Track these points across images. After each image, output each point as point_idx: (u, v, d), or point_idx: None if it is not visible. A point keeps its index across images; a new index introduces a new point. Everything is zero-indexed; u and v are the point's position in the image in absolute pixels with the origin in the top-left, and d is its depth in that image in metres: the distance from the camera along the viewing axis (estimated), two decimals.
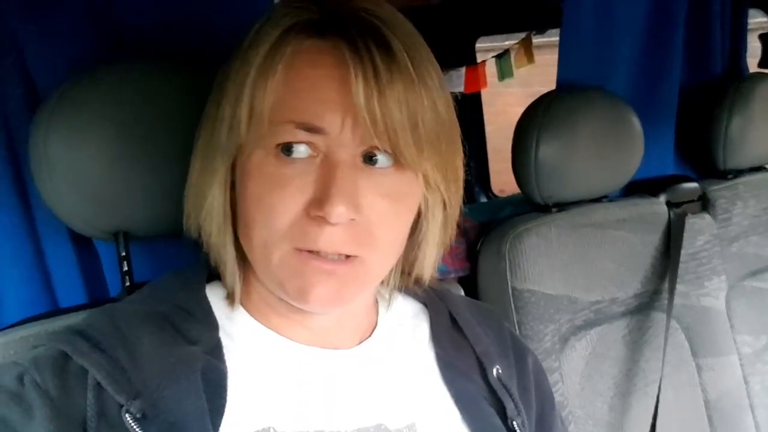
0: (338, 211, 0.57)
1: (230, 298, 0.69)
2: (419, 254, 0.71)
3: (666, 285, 1.30)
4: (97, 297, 0.90)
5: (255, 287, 0.69)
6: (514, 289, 1.14)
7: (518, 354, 0.80)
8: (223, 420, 0.60)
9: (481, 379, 0.74)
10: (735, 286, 1.44)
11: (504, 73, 2.27)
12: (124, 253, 0.80)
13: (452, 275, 1.21)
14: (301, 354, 0.67)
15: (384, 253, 0.65)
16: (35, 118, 0.75)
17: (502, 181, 2.56)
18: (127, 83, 0.76)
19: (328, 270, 0.61)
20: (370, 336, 0.73)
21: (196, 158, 0.65)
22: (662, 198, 1.38)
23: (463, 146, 0.67)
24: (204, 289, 0.69)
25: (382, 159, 0.61)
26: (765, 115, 1.47)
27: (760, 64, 1.74)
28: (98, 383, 0.58)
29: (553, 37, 1.64)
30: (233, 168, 0.63)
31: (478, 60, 2.40)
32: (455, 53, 2.36)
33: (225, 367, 0.63)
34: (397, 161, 0.61)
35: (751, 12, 1.64)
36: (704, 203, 1.45)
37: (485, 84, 2.34)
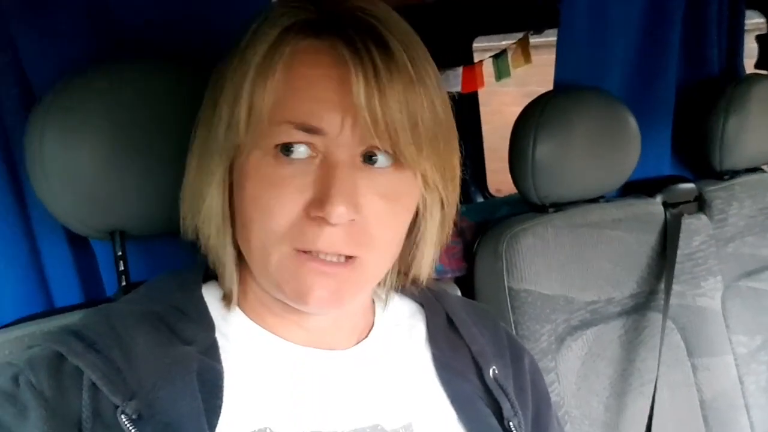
0: (339, 211, 0.57)
1: (227, 298, 0.68)
2: (417, 254, 0.71)
3: (662, 285, 1.30)
4: (93, 296, 0.89)
5: (251, 287, 0.69)
6: (510, 289, 1.14)
7: (514, 354, 0.80)
8: (219, 420, 0.60)
9: (477, 380, 0.74)
10: (731, 286, 1.44)
11: (501, 72, 2.27)
12: (120, 253, 0.80)
13: (449, 275, 1.21)
14: (297, 354, 0.67)
15: (382, 253, 0.64)
16: (30, 118, 0.75)
17: (499, 180, 2.56)
18: (123, 83, 0.76)
19: (326, 272, 0.61)
20: (366, 336, 0.73)
21: (192, 158, 0.65)
22: (658, 198, 1.38)
23: (460, 146, 0.67)
24: (200, 289, 0.69)
25: (381, 159, 0.61)
26: (761, 116, 1.47)
27: (757, 65, 1.74)
28: (93, 384, 0.58)
29: (550, 36, 1.64)
30: (230, 169, 0.63)
31: (475, 60, 2.39)
32: (452, 53, 2.36)
33: (221, 368, 0.63)
34: (397, 161, 0.61)
35: (748, 13, 1.64)
36: (700, 204, 1.45)
37: (482, 84, 2.34)
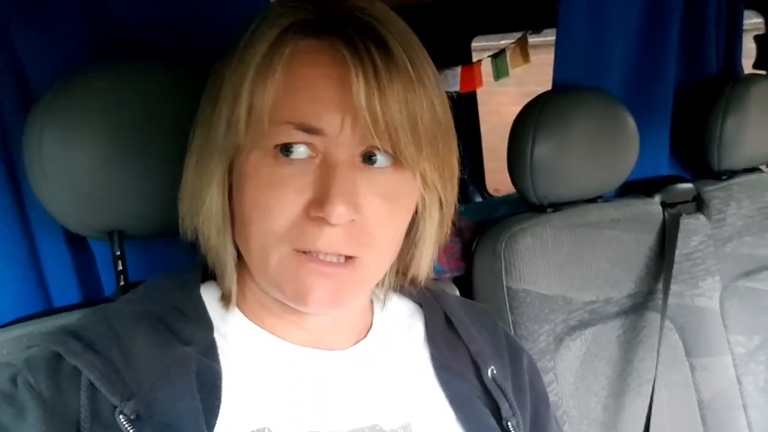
0: (339, 211, 0.57)
1: (226, 299, 0.68)
2: (415, 253, 0.71)
3: (660, 285, 1.30)
4: (91, 296, 0.89)
5: (250, 288, 0.68)
6: (509, 288, 1.14)
7: (513, 354, 0.80)
8: (217, 421, 0.60)
9: (475, 380, 0.74)
10: (729, 286, 1.44)
11: (500, 72, 2.27)
12: (118, 253, 0.80)
13: (447, 275, 1.21)
14: (295, 354, 0.67)
15: (382, 253, 0.65)
16: (29, 117, 0.74)
17: (497, 180, 2.56)
18: (122, 82, 0.76)
19: (326, 272, 0.61)
20: (365, 336, 0.73)
21: (191, 159, 0.65)
22: (657, 198, 1.39)
23: (458, 146, 0.67)
24: (198, 289, 0.69)
25: (381, 159, 0.61)
26: (759, 116, 1.47)
27: (755, 65, 1.75)
28: (92, 384, 0.58)
29: (548, 36, 1.64)
30: (230, 169, 0.63)
31: (474, 59, 2.39)
32: (451, 52, 2.36)
33: (219, 368, 0.62)
34: (396, 161, 0.61)
35: (747, 13, 1.64)
36: (699, 204, 1.45)
37: (481, 83, 2.34)
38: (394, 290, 0.77)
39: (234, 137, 0.60)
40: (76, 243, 0.88)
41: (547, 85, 1.27)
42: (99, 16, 0.82)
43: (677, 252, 1.31)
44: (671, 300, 1.28)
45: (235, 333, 0.67)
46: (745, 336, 1.43)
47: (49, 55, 0.80)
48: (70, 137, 0.73)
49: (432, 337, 0.75)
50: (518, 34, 2.20)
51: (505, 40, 2.27)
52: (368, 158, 0.61)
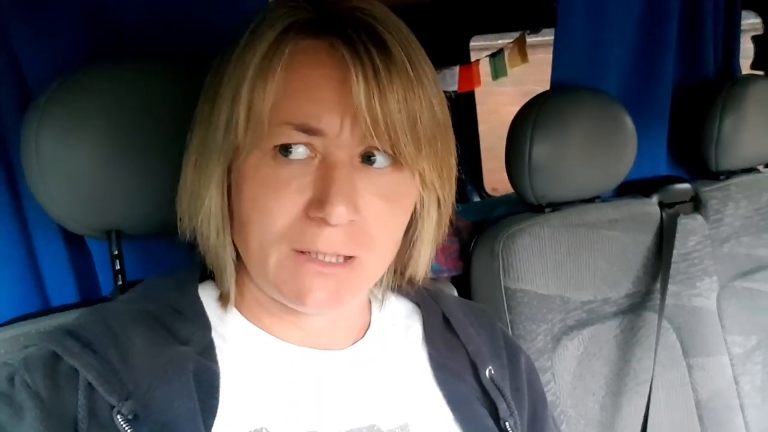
0: (339, 212, 0.57)
1: (224, 299, 0.68)
2: (414, 253, 0.71)
3: (658, 285, 1.30)
4: (89, 296, 0.89)
5: (248, 288, 0.68)
6: (506, 288, 1.14)
7: (511, 354, 0.80)
8: (215, 420, 0.60)
9: (473, 380, 0.74)
10: (726, 286, 1.44)
11: (498, 72, 2.27)
12: (116, 252, 0.80)
13: (445, 275, 1.21)
14: (293, 354, 0.67)
15: (381, 253, 0.65)
16: (26, 117, 0.74)
17: (495, 179, 2.56)
18: (120, 82, 0.76)
19: (326, 272, 0.61)
20: (363, 336, 0.73)
21: (190, 160, 0.65)
22: (654, 198, 1.39)
23: (457, 145, 0.67)
24: (196, 289, 0.69)
25: (380, 159, 0.61)
26: (757, 117, 1.47)
27: (753, 66, 1.75)
28: (89, 384, 0.58)
29: (547, 36, 1.64)
30: (228, 170, 0.63)
31: (472, 59, 2.39)
32: (449, 52, 2.36)
33: (217, 368, 0.62)
34: (395, 161, 0.61)
35: (744, 13, 1.65)
36: (696, 204, 1.45)
37: (479, 83, 2.34)
38: (392, 290, 0.77)
39: (233, 138, 0.60)
40: (74, 242, 0.87)
41: (546, 85, 1.27)
42: (98, 16, 0.82)
43: (675, 252, 1.31)
44: (669, 300, 1.28)
45: (233, 333, 0.67)
46: (742, 336, 1.43)
47: (48, 54, 0.80)
48: (68, 136, 0.73)
49: (430, 337, 0.75)
50: (516, 34, 2.20)
51: (503, 40, 2.27)
52: (367, 158, 0.61)
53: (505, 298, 1.14)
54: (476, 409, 0.71)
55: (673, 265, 1.30)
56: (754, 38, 1.76)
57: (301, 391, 0.65)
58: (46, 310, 0.78)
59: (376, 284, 0.73)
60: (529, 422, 0.78)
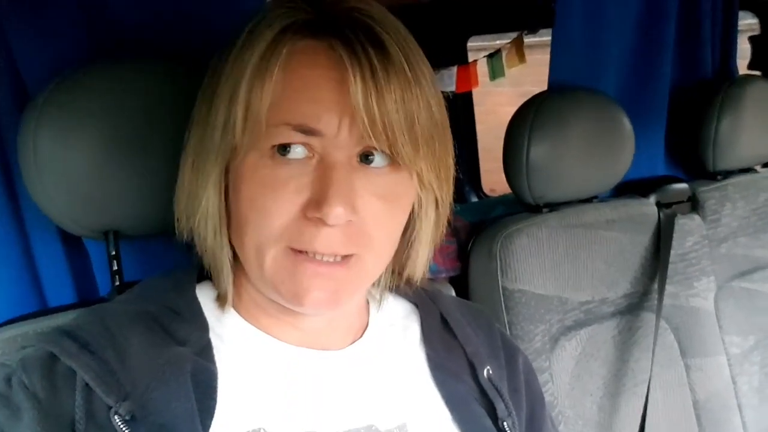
0: (336, 212, 0.57)
1: (221, 299, 0.68)
2: (411, 253, 0.71)
3: (655, 285, 1.30)
4: (86, 296, 0.89)
5: (245, 288, 0.68)
6: (504, 289, 1.14)
7: (508, 354, 0.80)
8: (212, 421, 0.59)
9: (471, 380, 0.74)
10: (723, 286, 1.45)
11: (495, 72, 2.27)
12: (114, 252, 0.80)
13: (443, 275, 1.21)
14: (291, 355, 0.67)
15: (379, 253, 0.65)
16: (24, 117, 0.74)
17: (493, 180, 2.56)
18: (117, 82, 0.75)
19: (323, 273, 0.61)
20: (361, 337, 0.72)
21: (187, 160, 0.65)
22: (652, 199, 1.39)
23: (454, 146, 0.67)
24: (194, 290, 0.69)
25: (378, 159, 0.61)
26: (754, 117, 1.48)
27: (750, 66, 1.75)
28: (87, 384, 0.58)
29: (544, 36, 1.64)
30: (226, 170, 0.63)
31: (470, 59, 2.39)
32: (447, 52, 2.36)
33: (215, 368, 0.62)
34: (393, 161, 0.61)
35: (742, 14, 1.65)
36: (694, 204, 1.45)
37: (476, 83, 2.34)
38: (390, 290, 0.77)
39: (231, 138, 0.60)
40: (71, 243, 0.87)
41: (544, 86, 1.27)
42: (98, 16, 0.82)
43: (672, 252, 1.31)
44: (666, 300, 1.28)
45: (230, 333, 0.67)
46: (739, 336, 1.43)
47: (46, 54, 0.80)
48: (66, 137, 0.73)
49: (428, 338, 0.75)
50: (514, 35, 2.20)
51: (501, 41, 2.27)
52: (365, 158, 0.61)
53: (502, 299, 1.14)
54: (474, 409, 0.71)
55: (670, 266, 1.30)
56: (752, 38, 1.76)
57: (299, 392, 0.65)
58: (44, 311, 0.77)
59: (373, 284, 0.73)
60: (527, 422, 0.78)
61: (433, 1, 2.06)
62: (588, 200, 1.28)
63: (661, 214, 1.35)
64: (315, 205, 0.58)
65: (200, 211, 0.64)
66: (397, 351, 0.73)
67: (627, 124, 1.25)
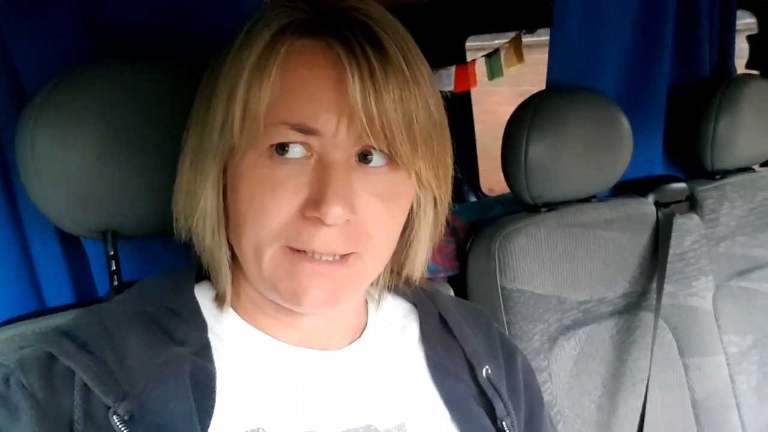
0: (335, 212, 0.57)
1: (220, 299, 0.68)
2: (410, 252, 0.71)
3: (654, 285, 1.31)
4: (84, 296, 0.89)
5: (244, 288, 0.68)
6: (503, 288, 1.14)
7: (507, 354, 0.80)
8: (211, 421, 0.59)
9: (470, 380, 0.74)
10: (722, 286, 1.45)
11: (494, 72, 2.27)
12: (112, 252, 0.80)
13: (442, 274, 1.21)
14: (289, 354, 0.67)
15: (378, 253, 0.65)
16: (22, 117, 0.74)
17: (491, 180, 2.56)
18: (115, 82, 0.75)
19: (322, 272, 0.61)
20: (359, 336, 0.72)
21: (185, 160, 0.65)
22: (650, 198, 1.39)
23: (453, 145, 0.67)
24: (192, 289, 0.69)
25: (376, 158, 0.61)
26: (752, 116, 1.48)
27: (748, 65, 1.75)
28: (85, 384, 0.58)
29: (543, 36, 1.64)
30: (224, 170, 0.63)
31: (468, 59, 2.39)
32: (445, 52, 2.36)
33: (213, 368, 0.62)
34: (392, 160, 0.61)
35: (739, 13, 1.65)
36: (692, 203, 1.45)
37: (475, 83, 2.34)
38: (389, 290, 0.77)
39: (229, 138, 0.60)
40: (69, 243, 0.87)
41: (542, 85, 1.27)
42: (93, 16, 0.82)
43: (671, 252, 1.31)
44: (665, 300, 1.28)
45: (229, 333, 0.67)
46: (738, 335, 1.43)
47: (44, 54, 0.80)
48: (64, 136, 0.73)
49: (426, 337, 0.75)
50: (512, 34, 2.20)
51: (499, 40, 2.27)
52: (364, 158, 0.61)
53: (501, 298, 1.14)
54: (473, 408, 0.71)
55: (669, 265, 1.30)
56: (749, 38, 1.76)
57: (298, 392, 0.65)
58: (42, 311, 0.77)
59: (372, 284, 0.73)
60: (526, 422, 0.78)
61: (432, 0, 2.06)
62: (586, 200, 1.28)
63: (660, 214, 1.35)
64: (313, 205, 0.58)
65: (198, 211, 0.63)
66: (396, 351, 0.73)
67: (625, 123, 1.25)
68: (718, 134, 1.46)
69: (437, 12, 2.18)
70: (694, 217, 1.42)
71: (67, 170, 0.73)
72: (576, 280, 1.22)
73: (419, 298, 0.79)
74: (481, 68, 2.31)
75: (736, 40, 1.65)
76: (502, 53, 2.22)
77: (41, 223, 0.83)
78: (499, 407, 0.73)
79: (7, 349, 0.71)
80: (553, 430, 0.83)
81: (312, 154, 0.60)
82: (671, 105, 1.49)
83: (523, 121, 1.17)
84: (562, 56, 1.27)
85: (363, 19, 0.59)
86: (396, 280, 0.75)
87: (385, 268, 0.72)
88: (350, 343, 0.71)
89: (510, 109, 1.22)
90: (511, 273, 1.14)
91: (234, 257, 0.66)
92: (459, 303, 0.85)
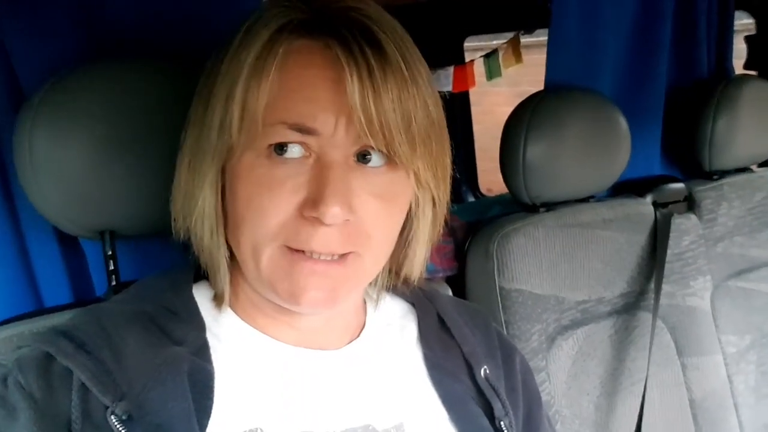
0: (333, 211, 0.57)
1: (218, 299, 0.68)
2: (408, 252, 0.71)
3: (652, 285, 1.31)
4: (82, 296, 0.89)
5: (242, 288, 0.68)
6: (501, 288, 1.14)
7: (505, 354, 0.80)
8: (209, 421, 0.59)
9: (468, 380, 0.74)
10: (720, 286, 1.45)
11: (492, 72, 2.27)
12: (110, 252, 0.80)
13: (440, 274, 1.21)
14: (288, 354, 0.67)
15: (377, 252, 0.65)
16: (19, 116, 0.74)
17: (490, 180, 2.56)
18: (114, 82, 0.75)
19: (320, 271, 0.61)
20: (358, 336, 0.72)
21: (184, 160, 0.65)
22: (648, 198, 1.39)
23: (451, 145, 0.67)
24: (191, 289, 0.69)
25: (375, 158, 0.61)
26: (750, 117, 1.48)
27: (746, 66, 1.75)
28: (83, 384, 0.58)
29: (541, 36, 1.64)
30: (222, 170, 0.63)
31: (467, 59, 2.40)
32: (443, 52, 2.36)
33: (212, 368, 0.62)
34: (390, 160, 0.61)
35: (737, 14, 1.65)
36: (690, 204, 1.45)
37: (473, 83, 2.34)
38: (387, 290, 0.77)
39: (227, 138, 0.60)
40: (67, 242, 0.87)
41: (541, 86, 1.27)
42: (91, 16, 0.82)
43: (669, 252, 1.31)
44: (663, 300, 1.28)
45: (227, 333, 0.67)
46: (736, 335, 1.44)
47: (42, 54, 0.79)
48: (62, 136, 0.72)
49: (425, 337, 0.75)
50: (511, 35, 2.21)
51: (498, 41, 2.27)
52: (362, 157, 0.61)
53: (499, 298, 1.14)
54: (471, 408, 0.72)
55: (667, 265, 1.30)
56: (747, 38, 1.76)
57: (296, 392, 0.65)
58: (40, 311, 0.77)
59: (370, 284, 0.73)
60: (524, 422, 0.78)
61: (430, 0, 2.06)
62: (585, 200, 1.28)
63: (658, 214, 1.35)
64: (312, 205, 0.58)
65: (197, 211, 0.63)
66: (394, 350, 0.73)
67: (623, 123, 1.25)
68: (716, 134, 1.46)
69: (436, 12, 2.18)
70: (692, 217, 1.42)
71: (64, 170, 0.73)
72: (574, 280, 1.22)
73: (418, 298, 0.79)
74: (479, 68, 2.31)
75: (734, 41, 1.65)
76: (501, 54, 2.23)
77: (39, 223, 0.82)
78: (497, 407, 0.73)
79: (5, 349, 0.71)
80: (552, 430, 0.83)
81: (310, 154, 0.59)
82: (669, 105, 1.49)
83: (522, 121, 1.17)
84: (560, 57, 1.27)
85: (361, 19, 0.59)
86: (394, 280, 0.75)
87: (383, 268, 0.72)
88: (348, 343, 0.71)
89: (508, 110, 1.22)
90: (509, 273, 1.14)
91: (232, 257, 0.66)
92: (457, 303, 0.85)
